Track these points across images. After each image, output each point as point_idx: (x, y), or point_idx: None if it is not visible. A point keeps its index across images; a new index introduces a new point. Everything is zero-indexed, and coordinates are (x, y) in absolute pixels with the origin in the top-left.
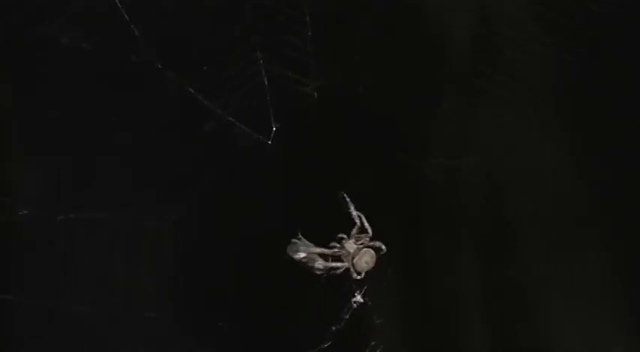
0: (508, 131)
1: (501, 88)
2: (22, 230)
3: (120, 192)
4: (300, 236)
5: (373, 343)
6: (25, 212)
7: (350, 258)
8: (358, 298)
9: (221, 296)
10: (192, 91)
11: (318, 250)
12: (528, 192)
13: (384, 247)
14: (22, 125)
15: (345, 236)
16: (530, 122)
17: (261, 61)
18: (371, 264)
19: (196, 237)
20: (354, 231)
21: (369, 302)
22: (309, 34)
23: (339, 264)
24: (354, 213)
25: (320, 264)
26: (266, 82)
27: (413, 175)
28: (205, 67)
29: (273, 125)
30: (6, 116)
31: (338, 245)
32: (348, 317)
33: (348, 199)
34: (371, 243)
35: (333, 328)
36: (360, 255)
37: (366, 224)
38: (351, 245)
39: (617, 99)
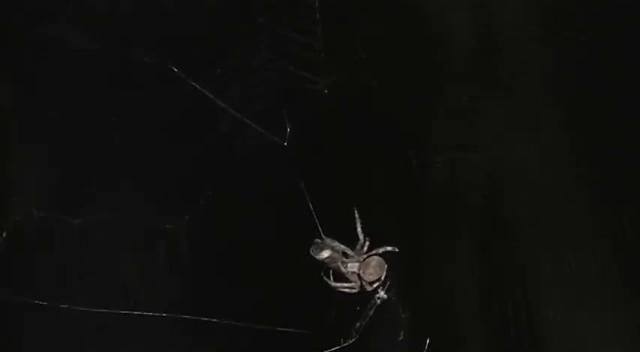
0: (508, 131)
1: (502, 87)
2: (39, 232)
3: (129, 192)
4: (323, 236)
5: (400, 338)
6: (41, 215)
7: (357, 276)
8: (382, 294)
9: (238, 295)
10: (207, 93)
11: (343, 248)
12: (528, 192)
13: (389, 248)
14: (27, 126)
15: (345, 259)
16: (530, 122)
17: (272, 59)
18: (380, 270)
19: (213, 237)
20: (357, 247)
21: (393, 298)
22: (320, 31)
23: (353, 291)
24: (359, 229)
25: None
26: (277, 81)
27: (414, 174)
28: (219, 70)
29: (288, 125)
30: (7, 116)
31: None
32: (372, 313)
33: (357, 216)
34: (373, 252)
35: (357, 324)
36: (363, 268)
37: (367, 242)
38: (354, 265)
39: (617, 99)
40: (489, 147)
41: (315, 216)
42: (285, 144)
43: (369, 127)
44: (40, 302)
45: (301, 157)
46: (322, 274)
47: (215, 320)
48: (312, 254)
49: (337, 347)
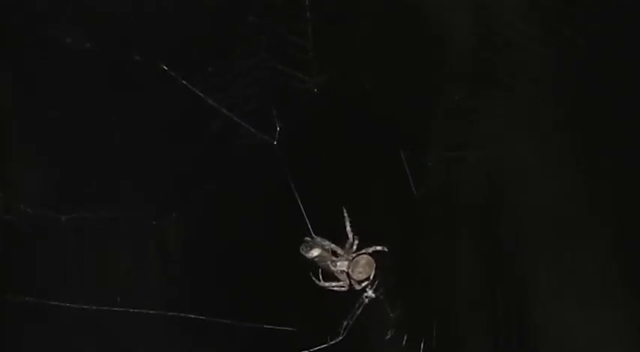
0: (508, 131)
1: (501, 87)
2: (26, 229)
3: (126, 191)
4: (313, 234)
5: (388, 337)
6: (29, 211)
7: (346, 275)
8: (370, 293)
9: (229, 293)
10: (198, 92)
11: (334, 247)
12: (528, 192)
13: (378, 248)
14: (27, 126)
15: (335, 258)
16: (530, 122)
17: (265, 60)
18: (369, 269)
19: (202, 236)
20: (347, 245)
21: (381, 297)
22: (310, 31)
23: (342, 290)
24: (349, 228)
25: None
26: (269, 81)
27: (411, 174)
28: (210, 68)
29: (277, 125)
30: (7, 116)
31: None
32: (359, 311)
33: (346, 215)
34: (362, 251)
35: (345, 323)
36: (352, 267)
37: (356, 241)
38: (343, 263)
39: (617, 99)
40: (488, 147)
41: (305, 215)
42: (275, 143)
43: (365, 126)
44: (34, 300)
45: (292, 156)
46: (311, 273)
47: (204, 317)
48: (302, 252)
49: (324, 346)
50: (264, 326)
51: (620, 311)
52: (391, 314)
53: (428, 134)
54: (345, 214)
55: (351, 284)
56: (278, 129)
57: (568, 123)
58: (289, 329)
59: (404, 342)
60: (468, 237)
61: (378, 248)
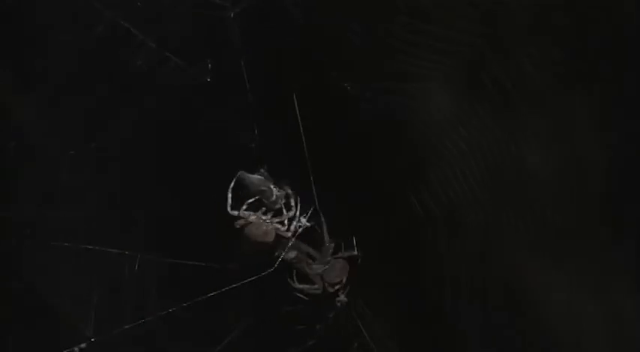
0: (508, 131)
1: (500, 90)
2: (14, 226)
3: (110, 189)
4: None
5: (360, 341)
6: (17, 206)
7: (320, 278)
8: (342, 297)
9: (211, 296)
10: (185, 91)
11: (311, 251)
12: (528, 193)
13: (354, 253)
14: (23, 124)
15: (311, 261)
16: (530, 122)
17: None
18: (342, 273)
19: (184, 235)
20: (323, 249)
21: (354, 301)
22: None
23: (316, 292)
24: (325, 232)
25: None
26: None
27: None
28: (198, 67)
29: (255, 128)
30: (6, 115)
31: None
32: (331, 315)
33: (323, 219)
34: (338, 255)
35: (317, 327)
36: (327, 269)
37: (332, 245)
38: (318, 266)
39: (617, 99)
40: (488, 148)
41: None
42: (254, 145)
43: (347, 130)
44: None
45: (270, 159)
46: (287, 275)
47: (191, 317)
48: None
49: (298, 350)
50: (236, 322)
51: (621, 311)
52: (363, 319)
53: (420, 136)
54: (322, 218)
55: (325, 288)
56: (256, 131)
57: (568, 122)
58: (262, 331)
59: (375, 346)
60: (464, 237)
61: (354, 253)
